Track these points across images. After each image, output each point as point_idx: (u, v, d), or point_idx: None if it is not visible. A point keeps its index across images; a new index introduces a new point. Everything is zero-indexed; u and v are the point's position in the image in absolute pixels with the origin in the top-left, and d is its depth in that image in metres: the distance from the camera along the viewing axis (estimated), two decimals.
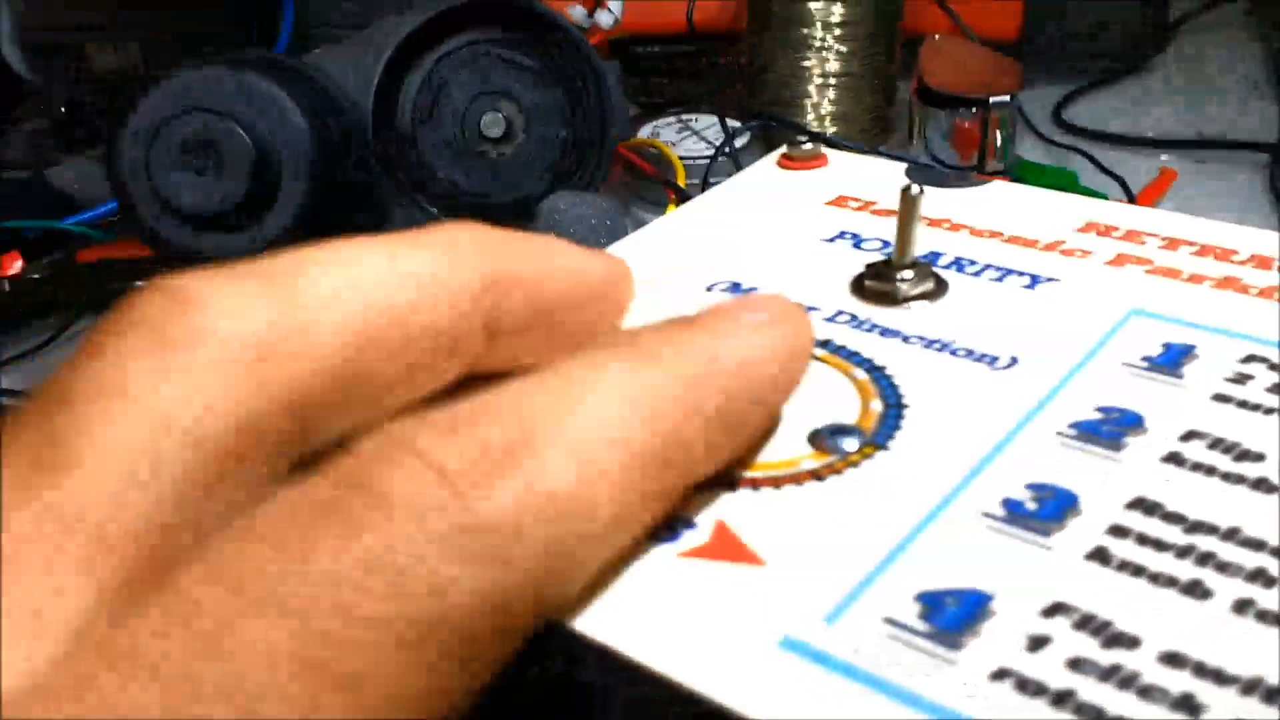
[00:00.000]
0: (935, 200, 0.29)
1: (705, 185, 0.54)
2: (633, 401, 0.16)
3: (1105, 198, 0.51)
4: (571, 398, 0.16)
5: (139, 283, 0.51)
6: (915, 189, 0.23)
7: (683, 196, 0.50)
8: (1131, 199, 0.50)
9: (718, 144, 0.56)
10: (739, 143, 0.57)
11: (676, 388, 0.17)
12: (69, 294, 0.52)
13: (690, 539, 0.18)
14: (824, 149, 0.32)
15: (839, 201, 0.29)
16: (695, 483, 0.18)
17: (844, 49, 0.57)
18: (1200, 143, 0.60)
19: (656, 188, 0.56)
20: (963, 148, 0.56)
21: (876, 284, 0.24)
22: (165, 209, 0.42)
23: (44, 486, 0.14)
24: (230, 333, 0.16)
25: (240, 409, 0.15)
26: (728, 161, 0.56)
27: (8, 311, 0.52)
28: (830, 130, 0.59)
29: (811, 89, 0.59)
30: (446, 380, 0.19)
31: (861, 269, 0.25)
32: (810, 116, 0.59)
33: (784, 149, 0.31)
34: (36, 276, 0.52)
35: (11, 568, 0.14)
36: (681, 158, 0.56)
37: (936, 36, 0.60)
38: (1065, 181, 0.53)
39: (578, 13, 0.56)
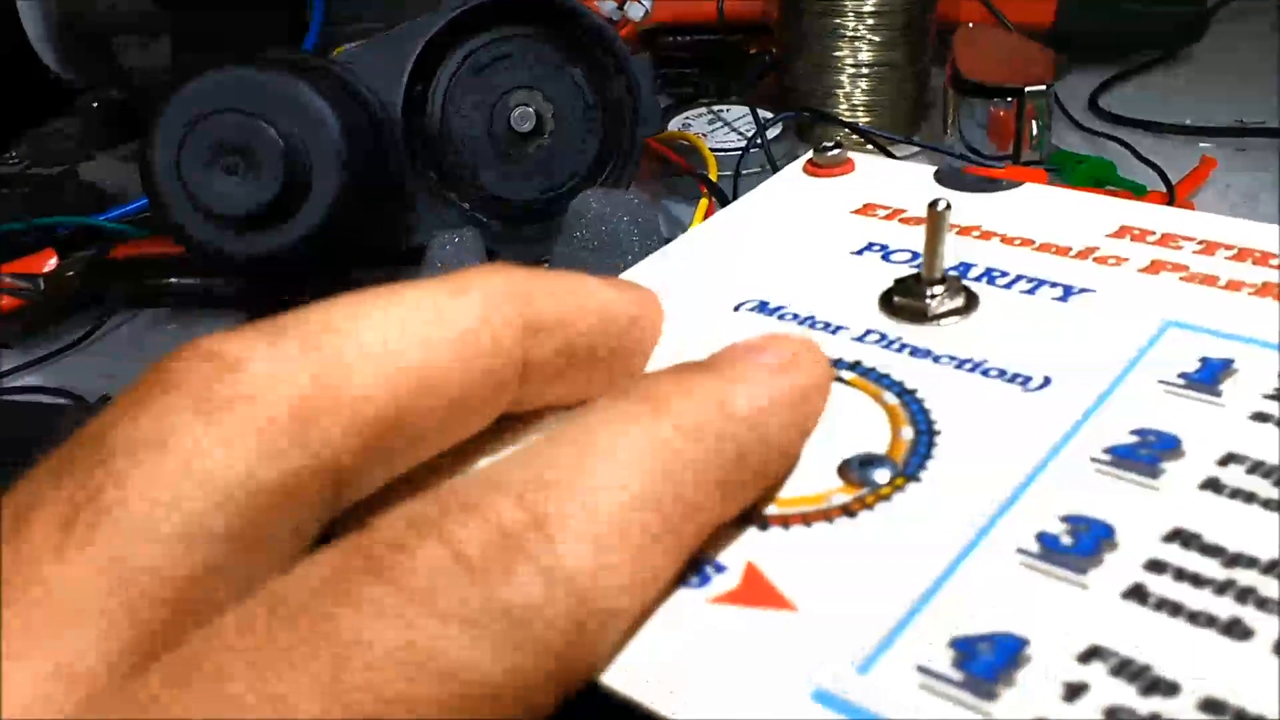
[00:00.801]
0: (965, 206, 0.28)
1: (737, 177, 0.54)
2: (647, 462, 0.16)
3: (1144, 189, 0.51)
4: (586, 467, 0.16)
5: (173, 280, 0.51)
6: (942, 204, 0.23)
7: (714, 190, 0.50)
8: (1170, 189, 0.49)
9: (749, 135, 0.56)
10: (771, 134, 0.56)
11: (690, 442, 0.17)
12: (103, 291, 0.53)
13: (721, 583, 0.18)
14: (851, 154, 0.31)
15: (866, 210, 0.29)
16: (715, 529, 0.18)
17: (877, 38, 0.57)
18: (1240, 130, 0.59)
19: (688, 180, 0.55)
20: (998, 138, 0.55)
21: (906, 300, 0.24)
22: (197, 210, 0.42)
23: (82, 540, 0.14)
24: (270, 393, 0.16)
25: (279, 468, 0.16)
26: (760, 153, 0.55)
27: (42, 309, 0.53)
28: (863, 121, 0.58)
29: (844, 79, 0.58)
30: (479, 428, 0.19)
31: (890, 283, 0.25)
32: (843, 106, 0.58)
33: (810, 155, 0.31)
34: (71, 274, 0.53)
35: (47, 618, 0.14)
36: (713, 149, 0.55)
37: (971, 25, 0.60)
38: (1103, 172, 0.53)
39: (608, 5, 0.55)
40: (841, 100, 0.58)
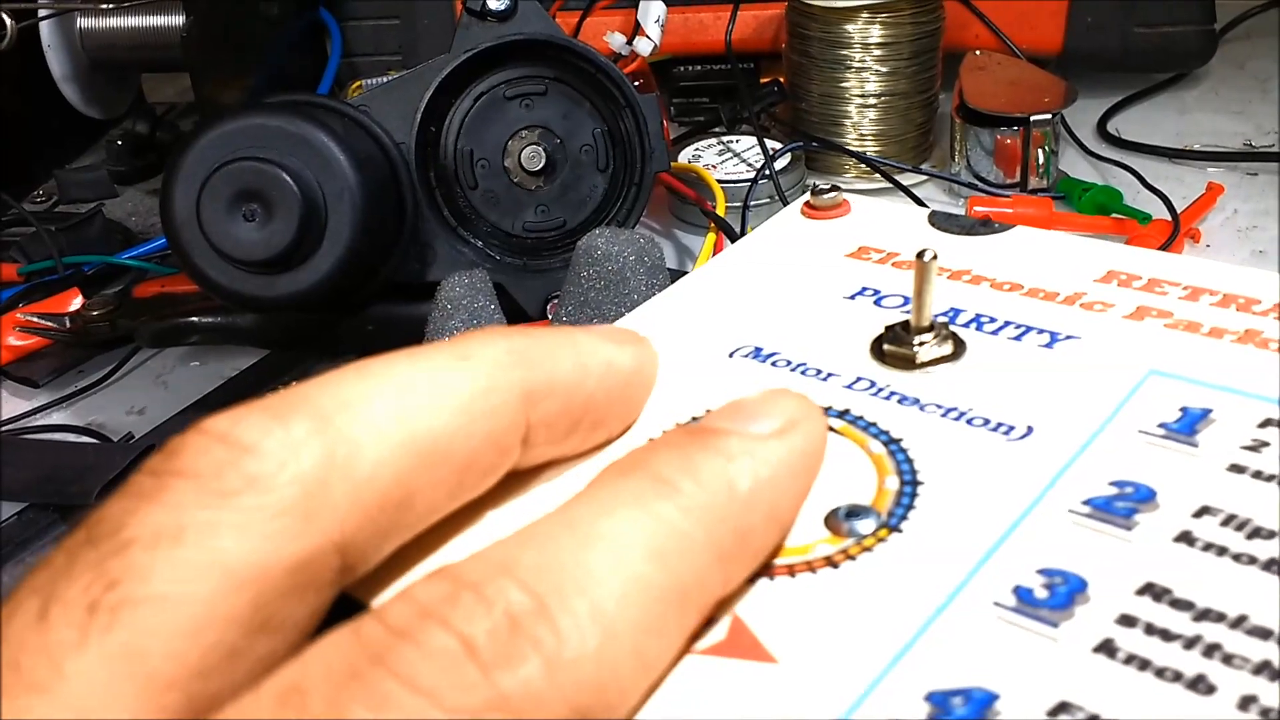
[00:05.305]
0: (957, 249, 0.29)
1: (745, 208, 0.55)
2: (651, 546, 0.17)
3: (1148, 217, 0.51)
4: (590, 552, 0.16)
5: (194, 318, 0.52)
6: (929, 254, 0.24)
7: (721, 224, 0.51)
8: (1175, 217, 0.50)
9: (758, 166, 0.57)
10: (780, 164, 0.57)
11: (694, 528, 0.17)
12: (128, 328, 0.54)
13: (708, 635, 0.18)
14: (847, 195, 0.32)
15: (860, 253, 0.29)
16: (716, 605, 0.18)
17: (883, 69, 0.57)
18: (1249, 154, 0.59)
19: (698, 210, 0.56)
20: (1005, 165, 0.56)
21: (895, 348, 0.25)
22: (217, 255, 0.43)
23: (101, 633, 0.15)
24: (281, 478, 0.16)
25: (291, 552, 0.16)
26: (768, 183, 0.56)
27: (68, 348, 0.54)
28: (871, 150, 0.59)
29: (851, 109, 0.58)
30: (483, 490, 0.20)
31: (881, 329, 0.25)
32: (851, 136, 0.59)
33: (807, 197, 0.32)
34: (96, 312, 0.54)
35: (70, 712, 0.14)
36: (722, 180, 0.56)
37: (978, 52, 0.60)
38: (1109, 199, 0.53)
39: (617, 40, 0.56)
40: (850, 130, 0.59)
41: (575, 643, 0.15)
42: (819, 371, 0.25)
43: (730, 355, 0.26)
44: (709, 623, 0.19)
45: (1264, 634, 0.17)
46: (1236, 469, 0.20)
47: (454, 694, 0.14)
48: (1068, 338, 0.25)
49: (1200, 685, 0.16)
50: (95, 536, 0.16)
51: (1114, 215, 0.52)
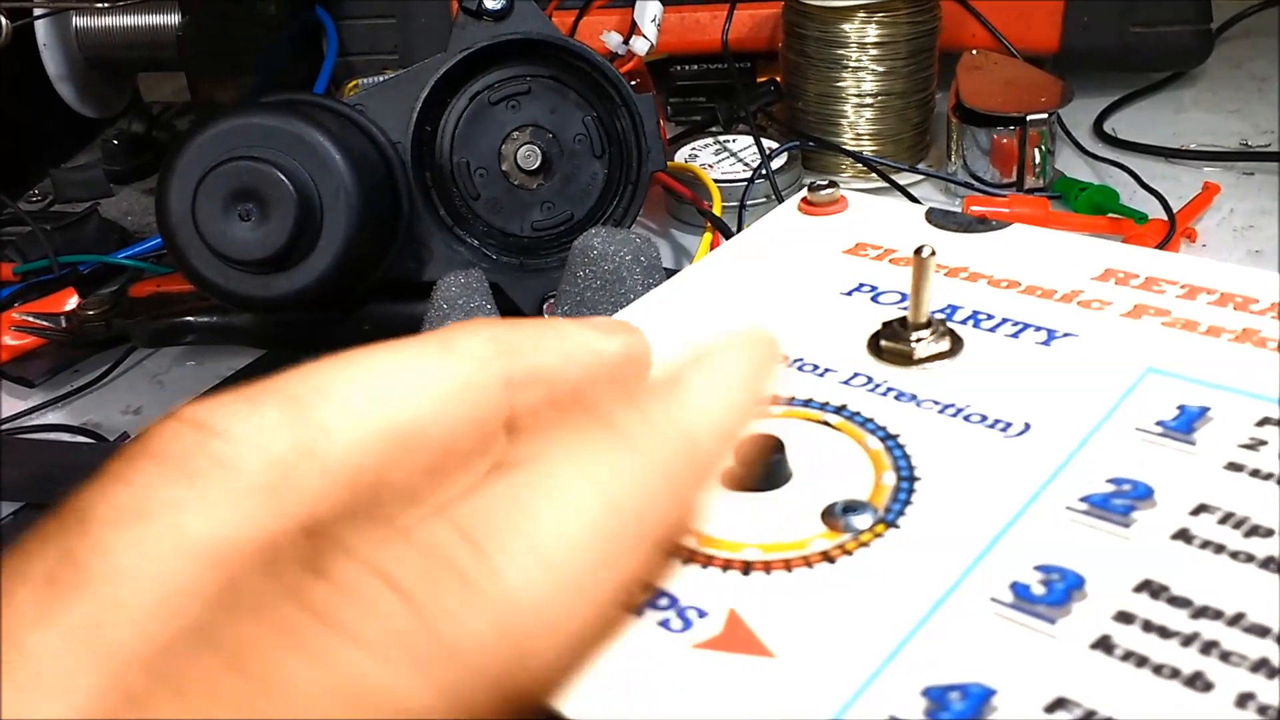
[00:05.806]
0: (955, 246, 0.29)
1: (742, 208, 0.55)
2: (601, 495, 0.16)
3: (1145, 217, 0.51)
4: (537, 499, 0.16)
5: (190, 318, 0.52)
6: (927, 250, 0.24)
7: (717, 223, 0.51)
8: (1171, 216, 0.50)
9: (755, 165, 0.57)
10: (776, 164, 0.57)
11: (648, 472, 0.17)
12: (123, 328, 0.54)
13: (703, 629, 0.18)
14: (844, 191, 0.32)
15: (857, 249, 0.29)
16: (668, 546, 0.17)
17: (880, 68, 0.57)
18: (1245, 154, 0.59)
19: (694, 210, 0.56)
20: (1001, 165, 0.56)
21: (892, 344, 0.25)
22: (213, 255, 0.43)
23: (62, 608, 0.15)
24: (249, 460, 0.16)
25: (258, 532, 0.16)
26: (765, 182, 0.56)
27: (64, 347, 0.54)
28: (868, 149, 0.59)
29: (848, 108, 0.58)
30: (469, 479, 0.19)
31: (879, 325, 0.25)
32: (847, 135, 0.59)
33: (804, 193, 0.32)
34: (91, 312, 0.54)
35: (29, 686, 0.14)
36: (719, 180, 0.56)
37: (974, 52, 0.60)
38: (1105, 199, 0.53)
39: (614, 40, 0.56)
40: (846, 129, 0.59)
41: (517, 589, 0.15)
42: (816, 367, 0.25)
43: None
44: (703, 615, 0.18)
45: (1261, 631, 0.17)
46: (1234, 467, 0.20)
47: (373, 630, 0.14)
48: (1065, 335, 0.25)
49: (1198, 682, 0.16)
50: (63, 518, 0.16)
51: (1110, 215, 0.52)
